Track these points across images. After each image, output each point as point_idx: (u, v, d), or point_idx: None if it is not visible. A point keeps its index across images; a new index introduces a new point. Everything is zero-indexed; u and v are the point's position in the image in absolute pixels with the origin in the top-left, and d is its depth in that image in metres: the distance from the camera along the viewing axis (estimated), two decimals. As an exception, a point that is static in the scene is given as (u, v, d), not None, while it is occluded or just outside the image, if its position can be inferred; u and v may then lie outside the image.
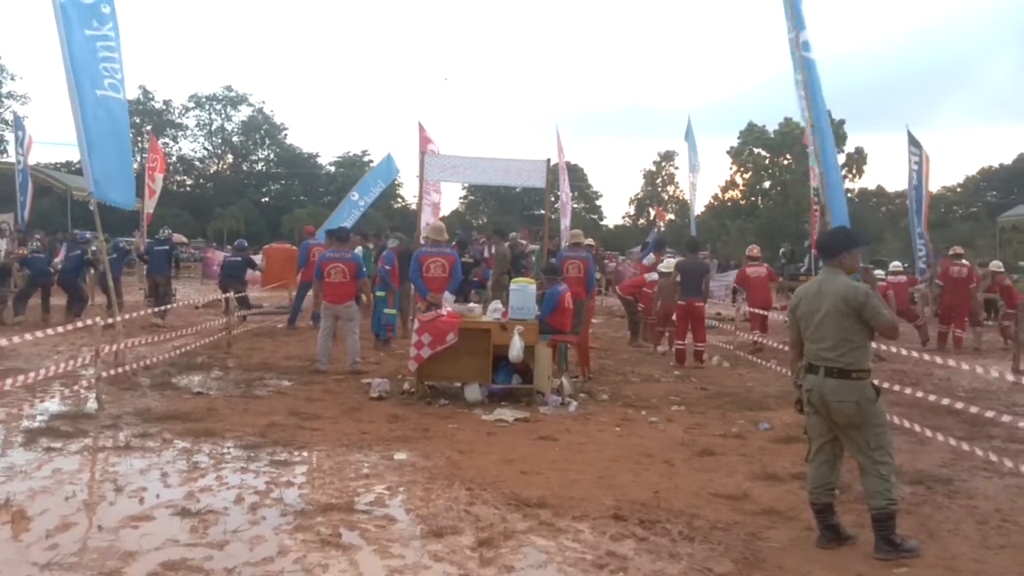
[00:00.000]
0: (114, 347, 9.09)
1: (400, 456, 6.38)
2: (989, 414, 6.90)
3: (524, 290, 9.03)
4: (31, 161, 26.24)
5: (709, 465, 6.45)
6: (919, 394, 7.80)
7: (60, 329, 7.91)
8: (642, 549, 4.56)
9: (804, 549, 4.64)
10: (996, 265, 17.13)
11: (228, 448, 6.44)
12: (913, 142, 22.34)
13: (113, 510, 4.93)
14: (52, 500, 5.06)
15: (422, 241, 11.65)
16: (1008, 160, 61.86)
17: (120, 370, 8.97)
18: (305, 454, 6.37)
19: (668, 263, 13.44)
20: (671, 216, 62.67)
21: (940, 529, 5.01)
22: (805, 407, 4.82)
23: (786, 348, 7.23)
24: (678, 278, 12.37)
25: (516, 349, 8.38)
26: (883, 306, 4.64)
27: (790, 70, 9.71)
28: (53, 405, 7.79)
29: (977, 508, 5.45)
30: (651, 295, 13.64)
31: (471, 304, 9.72)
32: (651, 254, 15.51)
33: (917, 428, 7.10)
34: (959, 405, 7.40)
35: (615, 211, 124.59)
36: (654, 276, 13.81)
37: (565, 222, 18.44)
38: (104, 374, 8.27)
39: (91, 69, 9.35)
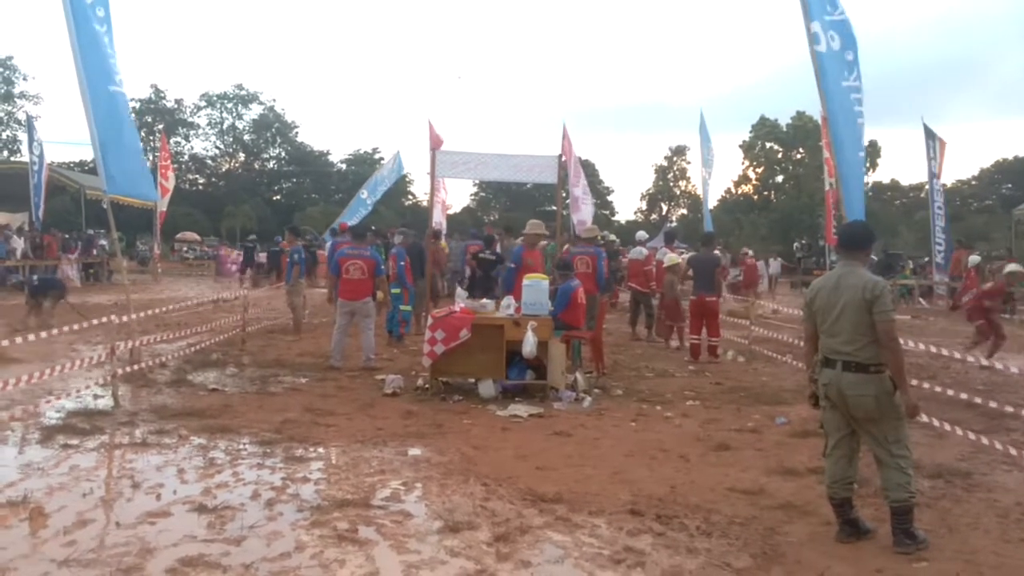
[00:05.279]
0: (129, 344, 9.12)
1: (415, 452, 6.38)
2: (1009, 410, 6.84)
3: (537, 286, 9.00)
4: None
5: (725, 460, 6.42)
6: (937, 388, 7.74)
7: (76, 327, 7.93)
8: (659, 544, 4.54)
9: (823, 544, 4.61)
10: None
11: (244, 444, 6.45)
12: (930, 135, 22.27)
13: (130, 506, 4.95)
14: (69, 497, 5.08)
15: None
16: (1023, 153, 61.40)
17: (136, 367, 9.00)
18: (320, 450, 6.38)
19: (671, 257, 13.43)
20: (683, 211, 62.59)
21: (960, 523, 4.97)
22: (821, 401, 4.78)
23: (801, 342, 7.19)
24: (690, 272, 12.33)
25: (529, 345, 8.37)
26: (894, 311, 4.59)
27: (802, 63, 9.59)
28: (70, 402, 7.82)
29: (997, 501, 5.41)
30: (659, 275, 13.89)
31: (484, 300, 9.71)
32: (666, 248, 15.57)
33: (935, 422, 7.04)
34: (978, 400, 7.33)
35: (627, 206, 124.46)
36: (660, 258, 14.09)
37: (576, 217, 18.40)
38: (120, 371, 8.30)
39: (102, 63, 9.28)
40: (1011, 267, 13.97)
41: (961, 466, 6.19)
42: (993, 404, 7.04)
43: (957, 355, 7.60)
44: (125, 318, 9.00)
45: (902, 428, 4.59)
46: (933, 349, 7.99)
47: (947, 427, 6.96)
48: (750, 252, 25.05)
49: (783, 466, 6.15)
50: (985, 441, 6.56)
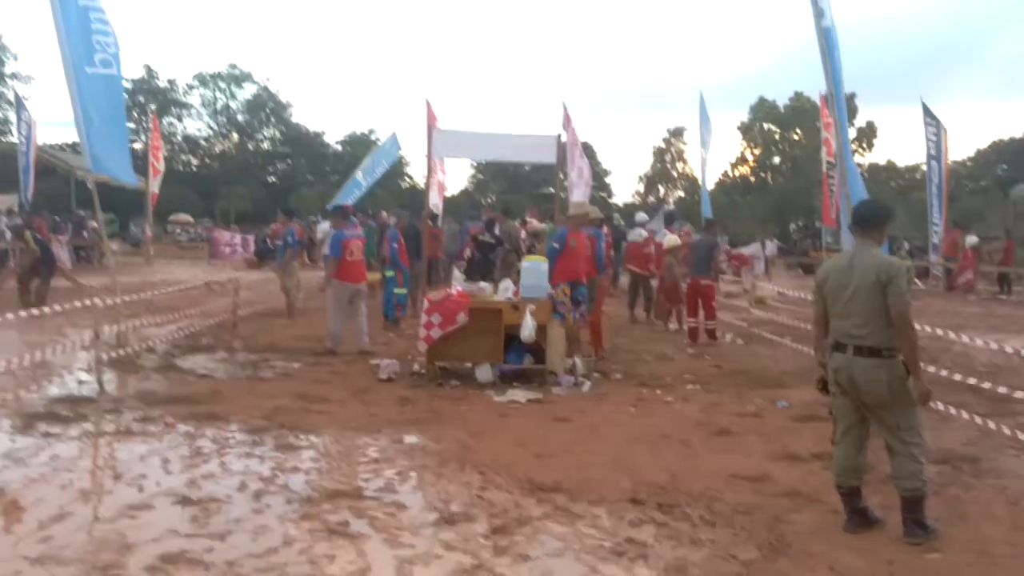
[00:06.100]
0: (116, 328, 8.93)
1: (410, 439, 6.22)
2: (1019, 395, 6.68)
3: (535, 268, 8.82)
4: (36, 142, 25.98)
5: (727, 445, 6.27)
6: (943, 372, 7.58)
7: (58, 308, 7.73)
8: (662, 535, 4.40)
9: (831, 533, 4.46)
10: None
11: (232, 432, 6.28)
12: (929, 115, 22.05)
13: (111, 499, 4.78)
14: (48, 489, 4.91)
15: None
16: (1020, 133, 61.24)
17: (122, 352, 8.82)
18: (312, 438, 6.20)
19: (671, 238, 13.36)
20: (681, 193, 62.49)
21: (970, 511, 4.83)
22: (831, 387, 4.61)
23: (802, 324, 7.03)
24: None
25: (528, 329, 8.21)
26: (909, 292, 4.41)
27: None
28: (53, 388, 7.65)
29: (1007, 488, 5.27)
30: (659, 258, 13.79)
31: (481, 283, 9.53)
32: (666, 230, 15.48)
33: (940, 406, 6.88)
34: (986, 384, 7.18)
35: (624, 189, 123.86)
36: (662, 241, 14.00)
37: (575, 198, 18.18)
38: (106, 356, 8.12)
39: (84, 44, 9.15)
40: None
41: (968, 451, 6.06)
42: (1002, 389, 6.88)
43: (965, 338, 7.39)
44: (111, 301, 8.80)
45: (914, 415, 4.42)
46: (939, 332, 7.81)
47: (952, 411, 6.83)
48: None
49: (787, 451, 6.02)
50: (992, 425, 6.42)
